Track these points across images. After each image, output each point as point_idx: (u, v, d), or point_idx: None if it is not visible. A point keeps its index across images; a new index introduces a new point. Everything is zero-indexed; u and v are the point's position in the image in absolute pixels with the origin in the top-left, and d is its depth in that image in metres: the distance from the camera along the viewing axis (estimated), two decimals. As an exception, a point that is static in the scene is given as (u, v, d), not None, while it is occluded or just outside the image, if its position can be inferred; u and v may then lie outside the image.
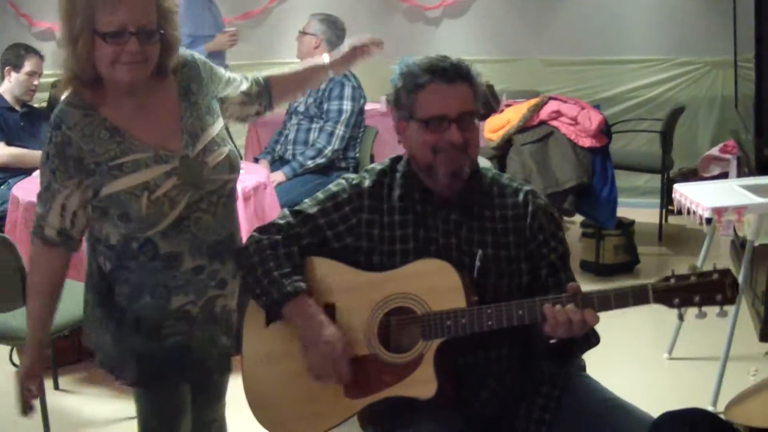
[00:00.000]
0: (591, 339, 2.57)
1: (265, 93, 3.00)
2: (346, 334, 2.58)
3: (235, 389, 2.89)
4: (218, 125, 2.77)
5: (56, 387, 4.63)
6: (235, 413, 3.05)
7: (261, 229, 2.73)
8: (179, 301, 2.70)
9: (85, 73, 2.54)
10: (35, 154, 5.77)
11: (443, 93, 2.57)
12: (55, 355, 4.61)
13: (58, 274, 2.71)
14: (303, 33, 6.21)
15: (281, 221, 2.71)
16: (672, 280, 2.33)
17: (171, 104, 2.70)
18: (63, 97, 2.63)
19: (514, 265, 2.62)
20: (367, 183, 2.70)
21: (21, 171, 5.95)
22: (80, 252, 4.36)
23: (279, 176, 5.87)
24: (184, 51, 2.75)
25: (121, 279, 2.68)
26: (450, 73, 2.58)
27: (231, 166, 2.75)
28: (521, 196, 2.66)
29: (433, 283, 2.52)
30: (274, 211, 4.81)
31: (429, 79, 2.58)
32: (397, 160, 2.75)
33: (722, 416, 2.30)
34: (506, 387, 2.62)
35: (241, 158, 3.06)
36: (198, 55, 2.84)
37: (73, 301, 3.86)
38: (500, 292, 2.58)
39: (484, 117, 5.88)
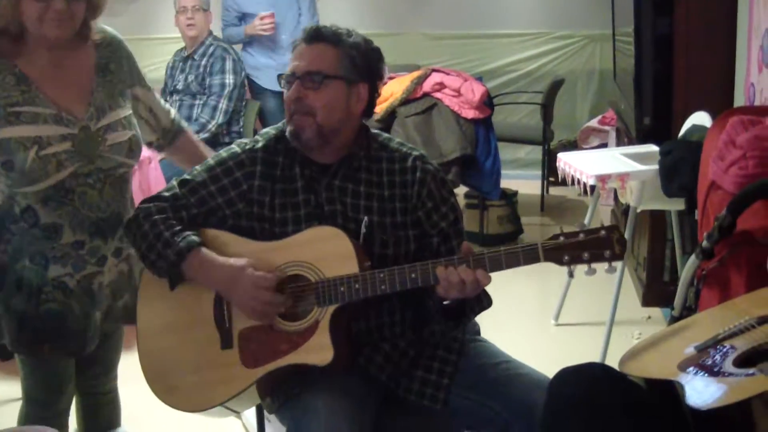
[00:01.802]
0: (483, 301, 2.61)
1: (170, 135, 3.02)
2: None
3: (129, 362, 2.85)
4: (127, 110, 2.75)
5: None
6: (129, 386, 3.01)
7: (148, 199, 2.67)
8: (56, 271, 2.68)
9: (9, 26, 2.51)
10: None
11: (299, 51, 2.60)
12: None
13: None
14: (203, 10, 6.17)
15: (167, 193, 2.65)
16: (561, 238, 2.36)
17: (86, 73, 2.69)
18: None
19: (401, 231, 2.62)
20: (259, 146, 2.67)
21: None
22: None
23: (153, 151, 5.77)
24: (111, 30, 2.76)
25: (3, 239, 2.66)
26: (312, 33, 2.60)
27: (130, 151, 2.73)
28: (410, 162, 2.64)
29: (326, 250, 2.51)
30: (159, 185, 4.74)
31: (299, 40, 2.62)
32: None
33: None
34: (400, 351, 2.62)
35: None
36: (125, 44, 2.84)
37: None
38: (387, 258, 2.58)
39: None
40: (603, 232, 2.35)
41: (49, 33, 2.52)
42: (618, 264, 2.37)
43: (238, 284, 2.49)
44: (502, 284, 2.41)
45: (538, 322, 5.13)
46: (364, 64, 2.61)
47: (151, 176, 4.80)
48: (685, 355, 2.12)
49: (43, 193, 2.58)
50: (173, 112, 3.07)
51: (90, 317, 2.78)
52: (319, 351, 2.45)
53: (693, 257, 2.81)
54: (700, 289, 2.84)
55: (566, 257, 2.35)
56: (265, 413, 2.83)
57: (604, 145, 7.37)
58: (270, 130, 2.73)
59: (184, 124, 3.11)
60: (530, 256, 2.36)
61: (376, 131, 2.75)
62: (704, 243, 2.74)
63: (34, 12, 2.47)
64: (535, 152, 7.86)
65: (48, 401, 2.89)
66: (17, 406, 2.98)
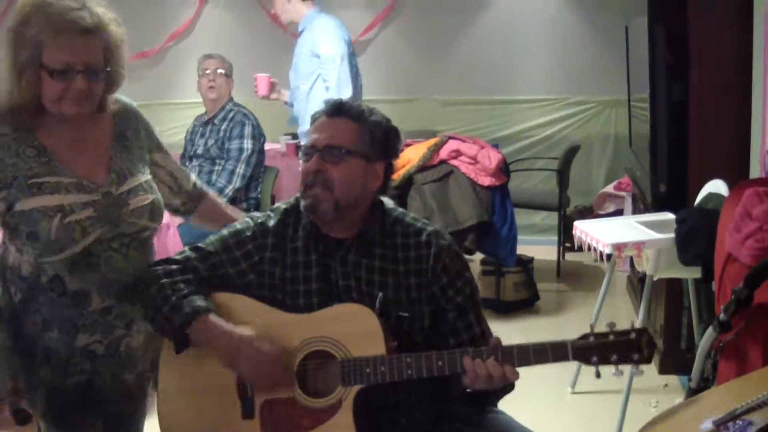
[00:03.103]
0: (507, 387, 2.58)
1: (195, 198, 3.03)
2: None
3: (151, 425, 2.85)
4: (147, 175, 2.77)
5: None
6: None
7: (157, 262, 2.68)
8: (85, 339, 2.67)
9: (28, 103, 2.53)
10: None
11: (321, 124, 2.63)
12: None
13: None
14: (225, 75, 6.22)
15: (179, 256, 2.68)
16: (591, 338, 2.38)
17: (104, 141, 2.71)
18: None
19: (416, 307, 2.61)
20: (272, 222, 2.69)
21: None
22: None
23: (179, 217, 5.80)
24: (126, 99, 2.78)
25: (31, 310, 2.66)
26: (335, 107, 2.63)
27: (152, 214, 2.74)
28: (424, 237, 2.64)
29: (353, 328, 2.51)
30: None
31: (320, 114, 2.66)
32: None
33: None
34: (417, 423, 2.62)
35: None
36: (141, 112, 2.86)
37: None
38: (401, 333, 2.57)
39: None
40: (633, 335, 2.37)
41: (68, 111, 2.54)
42: (645, 366, 2.39)
43: (241, 356, 2.49)
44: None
45: (555, 390, 5.09)
46: (384, 142, 2.63)
47: (169, 243, 4.82)
48: (703, 430, 2.11)
49: (69, 260, 2.59)
50: (193, 176, 3.09)
51: (118, 379, 2.76)
52: (341, 430, 2.46)
53: (710, 329, 2.81)
54: (717, 360, 2.84)
55: (595, 358, 2.37)
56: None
57: (620, 211, 7.38)
58: (281, 205, 2.75)
59: (206, 187, 3.13)
60: (559, 355, 2.40)
61: (390, 206, 2.75)
62: (721, 315, 2.74)
63: (55, 92, 2.50)
64: (551, 218, 7.86)
65: None
66: None
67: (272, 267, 2.64)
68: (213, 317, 2.53)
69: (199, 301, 2.54)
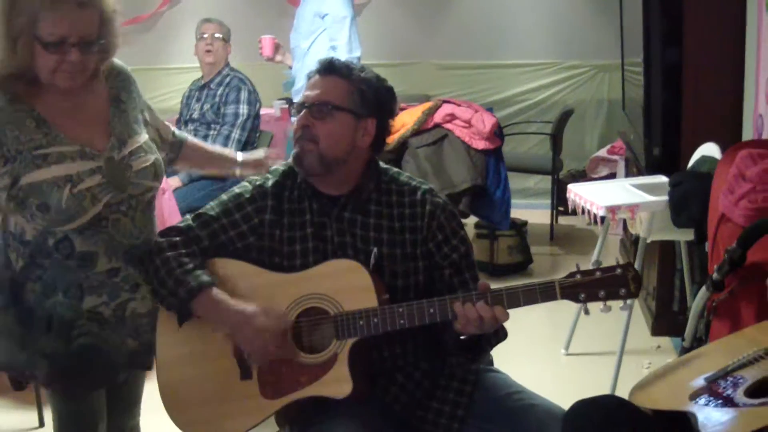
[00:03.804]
0: (499, 333, 2.62)
1: (176, 148, 3.05)
2: None
3: (149, 392, 2.88)
4: (145, 135, 2.78)
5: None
6: (150, 416, 3.05)
7: (161, 233, 2.72)
8: (92, 301, 2.68)
9: (22, 73, 2.53)
10: None
11: (312, 82, 2.68)
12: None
13: None
14: (223, 40, 6.22)
15: (182, 225, 2.71)
16: (578, 276, 2.41)
17: (100, 106, 2.71)
18: None
19: (411, 263, 2.66)
20: (270, 183, 2.72)
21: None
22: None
23: (175, 182, 5.81)
24: (118, 62, 2.78)
25: (33, 277, 2.66)
26: (325, 65, 2.68)
27: (155, 174, 2.75)
28: (419, 195, 2.69)
29: (345, 283, 2.55)
30: (173, 217, 4.79)
31: (313, 72, 2.71)
32: None
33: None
34: (415, 382, 2.66)
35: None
36: (129, 70, 2.86)
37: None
38: (397, 289, 2.62)
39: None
40: (619, 270, 2.39)
41: (61, 83, 2.55)
42: (632, 301, 2.41)
43: (246, 331, 2.53)
44: (512, 315, 2.44)
45: (549, 352, 5.16)
46: (374, 99, 2.67)
47: (165, 207, 4.83)
48: (696, 386, 2.16)
49: (80, 226, 2.61)
50: (171, 125, 3.10)
51: (123, 346, 2.77)
52: (338, 384, 2.49)
53: (703, 289, 2.85)
54: (710, 320, 2.88)
55: (582, 295, 2.40)
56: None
57: (612, 175, 7.41)
58: (279, 167, 2.79)
59: (183, 133, 3.15)
60: (547, 294, 2.41)
61: (385, 166, 2.79)
62: (715, 275, 2.78)
63: (49, 63, 2.50)
64: (545, 182, 7.89)
65: None
66: None
67: (271, 229, 2.68)
68: (217, 291, 2.57)
69: (204, 276, 2.58)
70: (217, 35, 6.17)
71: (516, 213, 6.85)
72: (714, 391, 2.10)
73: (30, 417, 4.21)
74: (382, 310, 2.49)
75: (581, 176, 7.79)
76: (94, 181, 2.59)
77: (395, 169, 2.80)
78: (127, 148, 2.70)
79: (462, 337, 2.51)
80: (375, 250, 2.62)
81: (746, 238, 2.69)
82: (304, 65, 6.11)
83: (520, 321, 2.96)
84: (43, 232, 2.62)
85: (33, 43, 2.47)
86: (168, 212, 4.87)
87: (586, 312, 2.43)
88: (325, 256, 2.63)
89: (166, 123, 3.05)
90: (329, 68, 2.67)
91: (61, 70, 2.51)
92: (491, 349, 2.73)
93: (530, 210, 7.84)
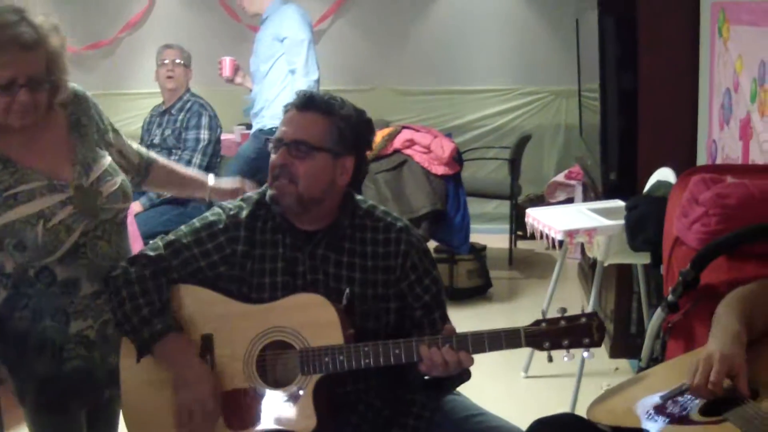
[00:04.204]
0: (463, 375, 2.63)
1: (143, 170, 3.05)
2: (225, 365, 2.59)
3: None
4: (108, 158, 2.80)
5: None
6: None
7: (131, 260, 2.70)
8: (78, 326, 2.71)
9: None
10: None
11: (290, 117, 2.65)
12: None
13: None
14: (184, 65, 6.23)
15: (152, 253, 2.68)
16: (543, 324, 2.44)
17: (61, 136, 2.73)
18: None
19: (382, 303, 2.67)
20: (244, 214, 2.71)
21: None
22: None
23: (136, 206, 5.79)
24: (75, 85, 2.78)
25: (20, 305, 2.68)
26: (304, 101, 2.64)
27: (124, 195, 2.78)
28: (393, 233, 2.68)
29: (311, 318, 2.55)
30: (135, 242, 4.76)
31: (290, 104, 2.68)
32: None
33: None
34: (376, 410, 2.68)
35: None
36: (88, 94, 2.87)
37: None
38: (367, 330, 2.63)
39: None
40: (583, 320, 2.44)
41: (14, 123, 2.56)
42: (596, 350, 2.46)
43: (190, 393, 2.54)
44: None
45: (509, 374, 5.18)
46: (353, 136, 2.64)
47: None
48: (652, 404, 2.20)
49: (58, 258, 2.63)
50: (139, 146, 3.10)
51: (106, 363, 2.79)
52: (302, 419, 2.51)
53: (659, 310, 2.90)
54: (666, 341, 2.92)
55: (546, 343, 2.44)
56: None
57: (570, 200, 7.46)
58: (253, 195, 2.77)
59: (152, 154, 3.15)
60: (512, 341, 2.45)
61: (359, 197, 2.78)
62: (669, 297, 2.83)
63: (0, 105, 2.52)
64: (503, 206, 7.93)
65: None
66: None
67: (243, 259, 2.67)
68: (178, 338, 2.58)
69: (169, 320, 2.58)
70: (177, 61, 6.18)
71: (475, 237, 6.89)
72: (669, 408, 2.14)
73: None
74: (348, 348, 2.50)
75: (539, 201, 7.84)
76: (66, 213, 2.61)
77: (370, 202, 2.78)
78: (93, 173, 2.72)
79: (426, 378, 2.52)
80: (347, 290, 2.62)
81: (699, 260, 2.75)
82: (262, 88, 6.18)
83: None
84: (22, 264, 2.63)
85: None
86: (131, 237, 4.85)
87: (549, 359, 2.47)
88: (295, 291, 2.62)
89: (133, 145, 3.06)
90: (308, 104, 2.63)
91: (13, 111, 2.54)
92: (455, 388, 2.74)
93: (489, 234, 7.87)
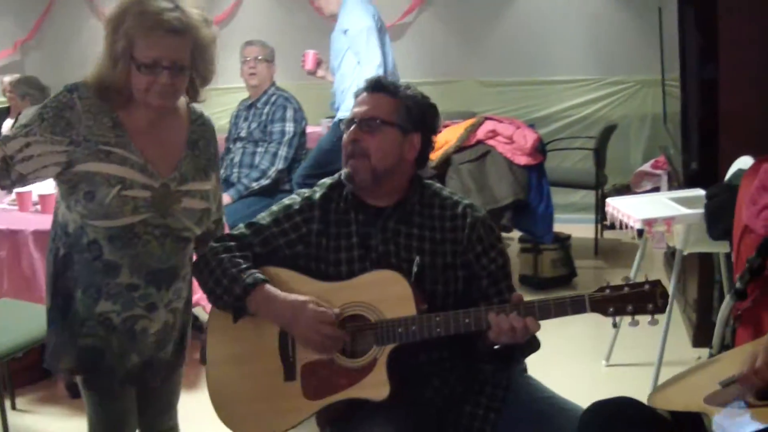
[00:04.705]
0: (533, 344, 2.73)
1: (203, 240, 3.03)
2: None
3: (190, 400, 3.02)
4: (208, 185, 2.92)
5: (13, 407, 4.69)
6: (192, 423, 3.20)
7: (217, 239, 2.87)
8: (105, 306, 2.81)
9: (121, 90, 2.71)
10: None
11: (361, 99, 2.85)
12: (10, 376, 4.69)
13: None
14: (266, 61, 6.35)
15: (235, 232, 2.86)
16: (607, 291, 2.51)
17: (178, 142, 2.88)
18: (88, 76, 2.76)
19: (450, 272, 2.78)
20: (317, 195, 2.87)
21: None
22: (31, 273, 4.44)
23: (225, 198, 5.94)
24: (207, 115, 2.98)
25: (69, 266, 2.82)
26: (373, 84, 2.86)
27: (200, 220, 2.89)
28: (460, 209, 2.82)
29: (386, 292, 2.67)
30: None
31: (361, 90, 2.87)
32: None
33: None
34: (450, 386, 2.77)
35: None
36: (215, 130, 3.03)
37: (25, 322, 3.96)
38: (436, 296, 2.74)
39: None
40: (647, 286, 2.49)
41: (153, 102, 2.71)
42: (660, 316, 2.51)
43: (300, 318, 2.66)
44: (555, 324, 2.54)
45: (590, 362, 5.21)
46: (419, 115, 2.82)
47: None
48: (711, 390, 2.24)
49: (112, 230, 2.74)
50: (219, 214, 3.13)
51: (125, 357, 2.89)
52: (376, 387, 2.62)
53: (728, 298, 2.93)
54: (735, 328, 2.95)
55: (611, 309, 2.50)
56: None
57: (656, 189, 7.39)
58: (327, 180, 2.93)
59: (225, 228, 3.20)
60: (577, 307, 2.52)
61: (428, 181, 2.93)
62: (737, 284, 2.85)
63: (142, 83, 2.67)
64: (590, 197, 7.89)
65: None
66: None
67: (318, 238, 2.82)
68: (269, 287, 2.72)
69: (257, 274, 2.73)
70: (259, 57, 6.31)
71: (561, 227, 6.93)
72: (727, 394, 2.18)
73: (83, 423, 4.37)
74: (420, 319, 2.60)
75: (626, 190, 7.79)
76: (142, 195, 2.73)
77: (437, 185, 2.94)
78: (187, 186, 2.84)
79: (496, 347, 2.60)
80: (417, 258, 2.74)
81: (766, 247, 2.77)
82: (336, 82, 6.26)
83: (562, 330, 3.05)
84: (80, 228, 2.76)
85: (130, 64, 2.66)
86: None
87: (614, 325, 2.54)
88: (369, 264, 2.76)
89: (223, 208, 3.15)
90: (377, 86, 2.84)
91: (153, 90, 2.68)
92: (524, 358, 2.84)
93: (576, 224, 7.86)
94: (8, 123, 7.11)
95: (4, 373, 4.54)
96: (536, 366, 2.93)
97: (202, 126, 2.96)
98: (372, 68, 5.97)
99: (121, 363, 2.89)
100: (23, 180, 2.77)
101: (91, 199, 2.71)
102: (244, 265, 2.75)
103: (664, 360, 4.57)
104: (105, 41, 2.70)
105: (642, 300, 2.49)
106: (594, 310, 2.51)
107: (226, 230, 3.10)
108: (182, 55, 2.69)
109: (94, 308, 2.82)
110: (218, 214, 3.11)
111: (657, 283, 2.50)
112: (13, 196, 5.10)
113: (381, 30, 6.22)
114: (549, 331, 2.60)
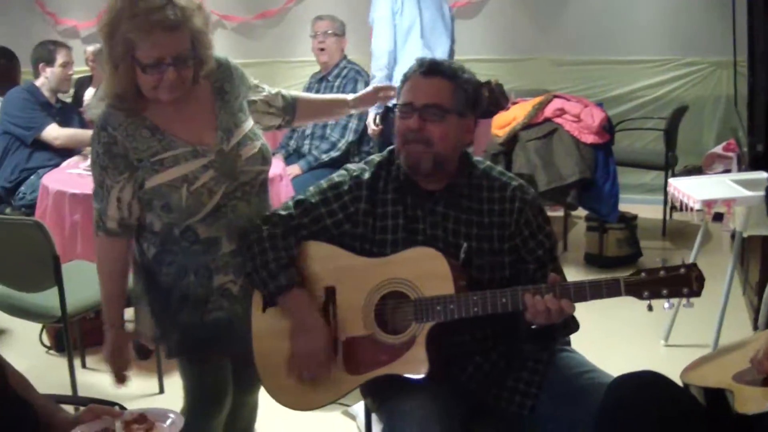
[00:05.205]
0: (570, 326, 2.79)
1: (290, 109, 3.22)
2: (346, 314, 2.80)
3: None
4: (250, 122, 3.00)
5: (83, 365, 4.89)
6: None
7: (264, 219, 2.92)
8: (220, 279, 2.93)
9: (127, 92, 2.80)
10: (86, 133, 6.02)
11: (416, 83, 2.82)
12: (82, 336, 4.89)
13: (123, 260, 2.98)
14: (335, 35, 6.46)
15: (283, 212, 2.91)
16: (642, 274, 2.53)
17: (206, 103, 2.94)
18: (106, 101, 2.85)
19: (498, 257, 2.81)
20: (366, 175, 2.91)
21: (69, 153, 6.19)
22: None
23: (295, 169, 6.11)
24: (218, 54, 2.98)
25: (166, 261, 2.93)
26: (430, 67, 2.82)
27: (263, 159, 2.98)
28: (509, 192, 2.84)
29: (425, 270, 2.72)
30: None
31: (413, 71, 2.85)
32: (394, 150, 2.93)
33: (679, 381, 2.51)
34: (492, 362, 2.83)
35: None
36: (230, 60, 3.06)
37: (95, 284, 4.12)
38: (483, 282, 2.77)
39: (490, 114, 6.06)
40: (682, 270, 2.50)
41: (163, 98, 2.79)
42: (718, 298, 2.53)
43: (305, 341, 2.78)
44: (614, 303, 2.58)
45: (649, 342, 5.23)
46: (474, 98, 2.84)
47: (282, 193, 5.07)
48: (741, 367, 2.30)
49: (201, 219, 2.86)
50: (280, 89, 3.25)
51: (248, 318, 2.97)
52: (415, 364, 2.68)
53: (772, 278, 2.95)
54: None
55: (646, 293, 2.52)
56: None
57: (728, 171, 7.29)
58: (375, 158, 2.97)
59: (294, 92, 3.30)
60: (612, 290, 2.54)
61: (477, 158, 2.96)
62: (782, 265, 2.88)
63: (149, 82, 2.74)
64: (660, 178, 7.84)
65: (211, 406, 3.12)
66: (156, 400, 3.19)
67: (365, 217, 2.87)
68: (298, 292, 2.81)
69: (293, 276, 2.81)
70: (329, 31, 6.42)
71: (630, 207, 6.94)
72: (756, 371, 2.24)
73: (152, 384, 4.54)
74: (458, 298, 2.65)
75: (697, 172, 7.72)
76: (208, 176, 2.83)
77: (487, 163, 2.96)
78: (234, 138, 2.91)
79: (533, 327, 2.64)
80: (465, 245, 2.78)
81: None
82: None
83: (621, 309, 3.07)
84: (169, 223, 2.88)
85: (133, 66, 2.73)
86: (284, 197, 5.11)
87: (650, 308, 2.54)
88: (414, 246, 2.79)
89: (272, 91, 3.21)
90: (433, 69, 2.82)
91: (162, 87, 2.75)
92: (562, 339, 2.88)
93: (646, 205, 7.86)
94: (90, 92, 7.29)
95: (75, 332, 4.72)
96: (595, 346, 2.94)
97: (219, 70, 2.98)
98: (376, 65, 6.19)
99: (246, 325, 2.96)
100: (137, 221, 2.92)
101: (168, 210, 2.83)
102: (284, 261, 2.81)
103: (725, 343, 4.56)
104: (104, 46, 2.77)
105: (677, 283, 2.49)
106: (629, 293, 2.53)
107: None
108: (183, 47, 2.74)
109: (210, 284, 2.93)
110: (278, 96, 3.20)
111: (693, 267, 2.51)
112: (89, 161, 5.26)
113: (400, 15, 6.28)
114: (607, 312, 2.62)
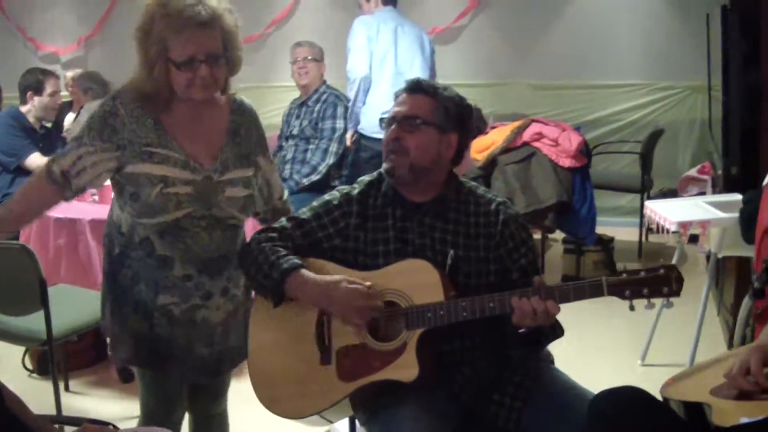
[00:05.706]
0: (556, 330, 2.86)
1: (274, 215, 3.24)
2: (340, 324, 2.84)
3: (240, 386, 3.20)
4: (250, 172, 3.05)
5: (67, 389, 4.90)
6: (239, 406, 3.36)
7: (259, 231, 3.00)
8: (165, 299, 2.98)
9: (160, 93, 2.86)
10: None
11: (401, 99, 2.96)
12: (66, 359, 4.90)
13: (40, 208, 3.05)
14: (315, 60, 6.54)
15: (277, 225, 3.00)
16: (624, 275, 2.61)
17: (218, 132, 3.01)
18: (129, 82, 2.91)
19: (483, 265, 2.90)
20: (356, 191, 3.00)
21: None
22: (87, 260, 4.62)
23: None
24: (247, 102, 3.09)
25: (125, 263, 2.99)
26: (413, 85, 2.97)
27: (244, 207, 3.02)
28: (493, 206, 2.95)
29: (416, 280, 2.80)
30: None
31: (401, 90, 2.99)
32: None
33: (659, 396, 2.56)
34: (480, 373, 2.89)
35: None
36: (257, 115, 3.14)
37: (81, 307, 4.13)
38: (469, 288, 2.85)
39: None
40: (662, 271, 2.59)
41: (196, 96, 2.85)
42: (692, 320, 2.59)
43: (335, 295, 2.79)
44: (595, 320, 2.61)
45: (626, 361, 5.26)
46: (456, 116, 2.94)
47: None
48: (718, 382, 2.36)
49: (160, 226, 2.90)
50: (285, 193, 3.35)
51: (193, 349, 3.05)
52: (406, 369, 2.74)
53: (747, 298, 3.01)
54: (755, 326, 3.02)
55: (627, 292, 2.60)
56: (357, 425, 3.13)
57: (702, 194, 7.40)
58: (365, 178, 3.06)
59: (290, 207, 3.36)
60: (595, 290, 2.61)
61: (463, 179, 3.06)
62: (755, 284, 2.94)
63: (183, 81, 2.80)
64: (636, 200, 7.94)
65: (163, 417, 3.13)
66: (134, 423, 3.23)
67: (356, 232, 2.95)
68: (305, 271, 2.85)
69: (294, 259, 2.86)
70: (309, 57, 6.49)
71: (607, 230, 7.04)
72: (733, 386, 2.30)
73: (134, 406, 4.51)
74: (447, 304, 2.73)
75: (672, 195, 7.82)
76: (184, 190, 2.88)
77: (473, 183, 3.06)
78: (228, 175, 2.97)
79: (521, 331, 2.72)
80: (452, 252, 2.86)
81: (783, 248, 2.86)
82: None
83: (600, 328, 3.10)
84: (134, 225, 2.92)
85: (168, 65, 2.79)
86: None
87: (631, 308, 2.61)
88: (405, 257, 2.88)
89: (281, 186, 3.29)
90: (416, 87, 2.95)
91: (195, 85, 2.81)
92: (548, 343, 2.93)
93: (622, 228, 7.96)
94: (70, 117, 7.33)
95: (59, 355, 4.74)
96: (574, 362, 2.99)
97: (242, 114, 3.06)
98: (351, 89, 6.42)
99: (189, 354, 3.03)
100: (82, 191, 2.97)
101: (136, 199, 2.87)
102: (283, 252, 2.88)
103: (697, 361, 4.62)
104: (138, 50, 2.82)
105: (658, 283, 2.57)
106: (611, 293, 2.60)
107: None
108: (215, 44, 2.80)
109: (156, 301, 2.97)
110: (280, 192, 3.27)
111: (672, 268, 2.59)
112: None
113: (374, 41, 6.46)
114: (585, 333, 2.65)
